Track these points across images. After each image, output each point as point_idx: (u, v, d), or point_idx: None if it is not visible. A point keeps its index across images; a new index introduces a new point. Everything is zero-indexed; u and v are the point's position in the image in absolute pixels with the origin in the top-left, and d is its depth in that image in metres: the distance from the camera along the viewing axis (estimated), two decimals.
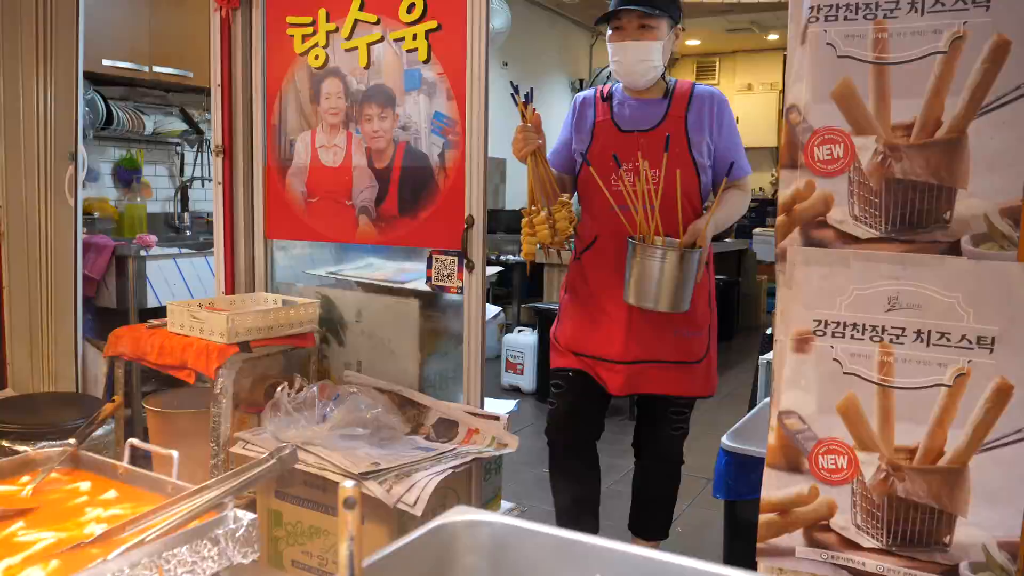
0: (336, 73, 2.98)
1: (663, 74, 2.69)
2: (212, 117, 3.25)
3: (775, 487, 2.04)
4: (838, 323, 1.94)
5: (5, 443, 3.37)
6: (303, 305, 2.86)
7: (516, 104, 2.53)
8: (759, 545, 2.11)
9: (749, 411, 5.07)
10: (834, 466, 1.98)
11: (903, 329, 1.88)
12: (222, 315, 2.58)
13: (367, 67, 2.89)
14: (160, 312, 4.06)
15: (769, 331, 5.02)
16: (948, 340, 1.85)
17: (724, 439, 2.99)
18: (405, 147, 2.84)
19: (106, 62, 4.37)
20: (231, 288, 3.20)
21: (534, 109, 2.55)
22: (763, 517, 2.07)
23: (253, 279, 3.21)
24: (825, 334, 1.95)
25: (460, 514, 0.99)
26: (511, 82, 2.57)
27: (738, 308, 9.08)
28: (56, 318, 3.91)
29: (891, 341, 1.88)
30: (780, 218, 2.03)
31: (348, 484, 0.81)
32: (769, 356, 3.97)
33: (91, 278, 4.11)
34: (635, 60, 2.56)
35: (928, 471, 1.87)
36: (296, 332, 2.80)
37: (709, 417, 5.75)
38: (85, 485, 0.83)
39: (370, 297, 3.02)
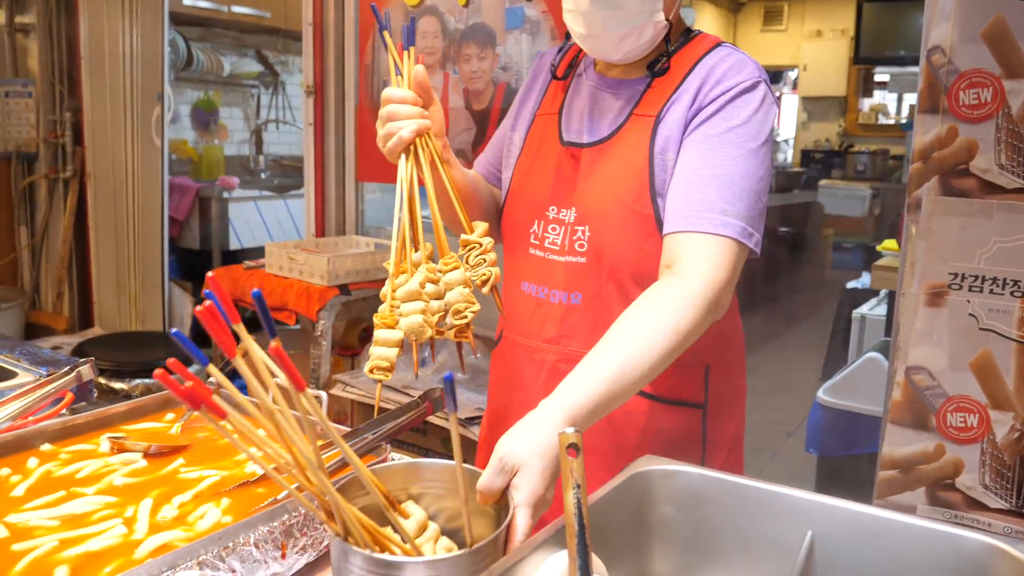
0: (433, 11, 2.92)
1: (668, 34, 1.31)
2: (303, 56, 3.21)
3: (898, 443, 1.99)
4: (976, 277, 1.86)
5: (101, 380, 3.46)
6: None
7: (386, 48, 1.31)
8: (876, 502, 2.07)
9: (825, 366, 5.02)
10: (963, 424, 1.91)
11: None
12: (322, 257, 2.58)
13: (466, 5, 2.81)
14: (241, 254, 4.11)
15: (851, 284, 4.91)
16: None
17: (820, 394, 2.94)
18: (505, 88, 2.77)
19: (186, 1, 4.36)
20: (321, 231, 3.20)
21: (421, 58, 1.29)
22: (883, 474, 2.02)
23: (344, 222, 3.20)
24: (962, 288, 1.87)
25: (653, 463, 0.96)
26: (372, 5, 1.40)
27: (805, 261, 8.91)
28: (143, 259, 3.97)
29: None
30: (916, 166, 1.93)
31: (569, 431, 0.78)
32: (862, 310, 3.88)
33: (175, 219, 4.16)
34: (602, 13, 1.25)
35: None
36: None
37: (783, 372, 5.70)
38: (262, 432, 0.82)
39: None
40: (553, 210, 1.37)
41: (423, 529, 0.92)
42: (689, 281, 1.14)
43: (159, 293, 3.89)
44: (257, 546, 0.98)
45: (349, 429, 1.26)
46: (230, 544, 0.95)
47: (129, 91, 3.83)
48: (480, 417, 2.40)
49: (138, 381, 3.45)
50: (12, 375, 1.66)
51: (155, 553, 0.95)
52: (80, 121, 4.17)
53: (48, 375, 1.56)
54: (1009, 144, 1.80)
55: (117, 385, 3.47)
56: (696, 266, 1.15)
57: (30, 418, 1.38)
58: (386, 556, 0.80)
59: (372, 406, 2.21)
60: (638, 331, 1.09)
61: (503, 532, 0.83)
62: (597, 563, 0.79)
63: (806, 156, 10.50)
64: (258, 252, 3.50)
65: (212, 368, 0.80)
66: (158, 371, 0.72)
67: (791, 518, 0.88)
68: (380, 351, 1.18)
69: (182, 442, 1.30)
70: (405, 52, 1.29)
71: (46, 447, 1.26)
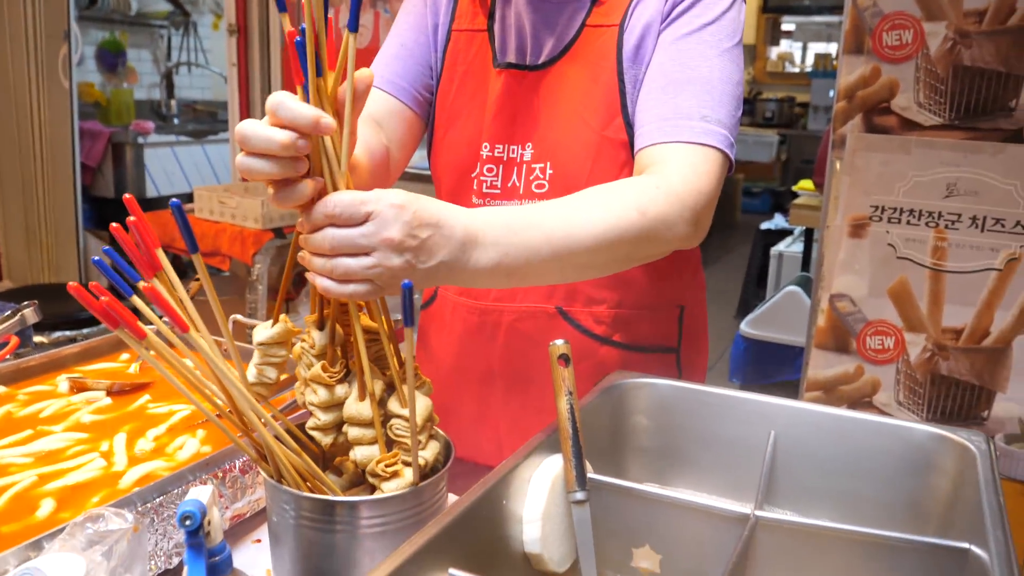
0: None
1: None
2: None
3: (822, 366, 2.12)
4: (895, 209, 1.98)
5: (36, 341, 3.32)
6: None
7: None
8: None
9: (740, 303, 5.22)
10: (881, 346, 2.05)
11: (959, 215, 1.92)
12: (256, 200, 2.53)
13: None
14: (159, 202, 3.98)
15: (765, 224, 5.10)
16: (1003, 226, 1.90)
17: (743, 327, 3.09)
18: None
19: None
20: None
21: (350, 36, 0.75)
22: (808, 395, 2.15)
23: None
24: (882, 219, 1.99)
25: (624, 377, 1.01)
26: None
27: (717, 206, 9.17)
28: (54, 207, 3.80)
29: (946, 227, 1.93)
30: (841, 104, 2.03)
31: (559, 342, 0.82)
32: (780, 248, 4.06)
33: (87, 166, 3.98)
34: None
35: (972, 350, 1.95)
36: None
37: None
38: (189, 362, 0.82)
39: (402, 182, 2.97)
40: (500, 148, 1.18)
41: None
42: (667, 179, 0.96)
43: (73, 243, 3.74)
44: (243, 471, 0.99)
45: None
46: (217, 471, 0.97)
47: (31, 29, 3.61)
48: None
49: (59, 333, 3.33)
50: None
51: (140, 483, 0.96)
52: None
53: None
54: (927, 83, 1.91)
55: (37, 339, 3.33)
56: (677, 171, 0.98)
57: None
58: (314, 496, 0.78)
59: None
60: (595, 197, 0.92)
61: (440, 477, 0.81)
62: (587, 464, 0.84)
63: None
64: (184, 197, 3.40)
65: (136, 299, 0.78)
66: (72, 284, 0.70)
67: (754, 421, 0.95)
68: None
69: (144, 380, 1.29)
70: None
71: (1, 389, 1.23)
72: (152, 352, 0.76)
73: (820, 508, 0.91)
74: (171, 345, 0.77)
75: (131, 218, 0.76)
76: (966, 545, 0.71)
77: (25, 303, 1.52)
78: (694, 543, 0.79)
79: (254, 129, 0.70)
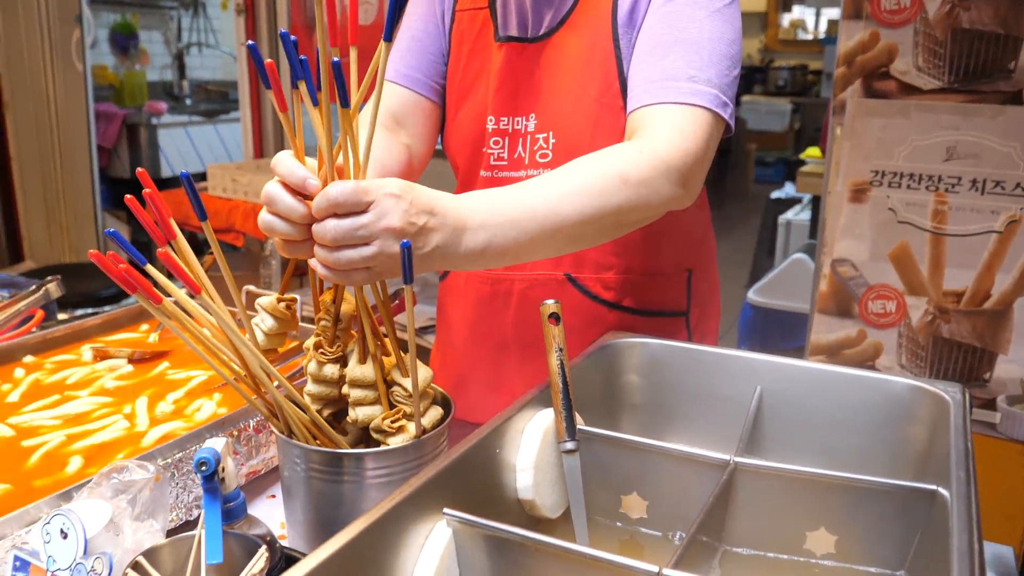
0: None
1: None
2: None
3: (824, 331, 2.16)
4: (895, 173, 2.00)
5: (60, 316, 3.41)
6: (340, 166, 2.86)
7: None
8: None
9: (752, 272, 5.24)
10: (883, 310, 2.08)
11: (959, 178, 1.94)
12: (268, 178, 2.57)
13: None
14: (174, 182, 4.04)
15: (775, 194, 5.11)
16: (1003, 188, 1.92)
17: (750, 295, 3.12)
18: None
19: None
20: (260, 153, 3.18)
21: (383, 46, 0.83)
22: (811, 359, 2.18)
23: (282, 143, 3.18)
24: (882, 184, 2.02)
25: (618, 337, 1.06)
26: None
27: (728, 176, 9.15)
28: (72, 189, 3.87)
29: (947, 190, 1.95)
30: (840, 70, 2.05)
31: (550, 302, 0.87)
32: (788, 216, 4.07)
33: (103, 147, 4.04)
34: None
35: (973, 313, 1.98)
36: None
37: None
38: (206, 331, 0.86)
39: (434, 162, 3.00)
40: (505, 121, 1.21)
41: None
42: (652, 143, 0.97)
43: (92, 223, 3.81)
44: (257, 431, 1.05)
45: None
46: (232, 429, 1.02)
47: (44, 13, 3.66)
48: (431, 327, 2.48)
49: (80, 311, 3.41)
50: None
51: (161, 441, 1.02)
52: None
53: (12, 296, 1.58)
54: (926, 47, 1.92)
55: (60, 316, 3.42)
56: (662, 133, 0.99)
57: (5, 336, 1.40)
58: (322, 449, 0.84)
59: None
60: (578, 168, 0.94)
61: (444, 428, 0.87)
62: (577, 417, 0.89)
63: None
64: (198, 177, 3.45)
65: (150, 267, 0.83)
66: (93, 252, 0.75)
67: (742, 376, 1.00)
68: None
69: (164, 348, 1.35)
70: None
71: (29, 359, 1.29)
72: (171, 320, 0.81)
73: (803, 458, 0.95)
74: (188, 314, 0.83)
75: (146, 191, 0.81)
76: (933, 487, 0.76)
77: (49, 278, 1.59)
78: (678, 489, 0.84)
79: (280, 195, 0.81)
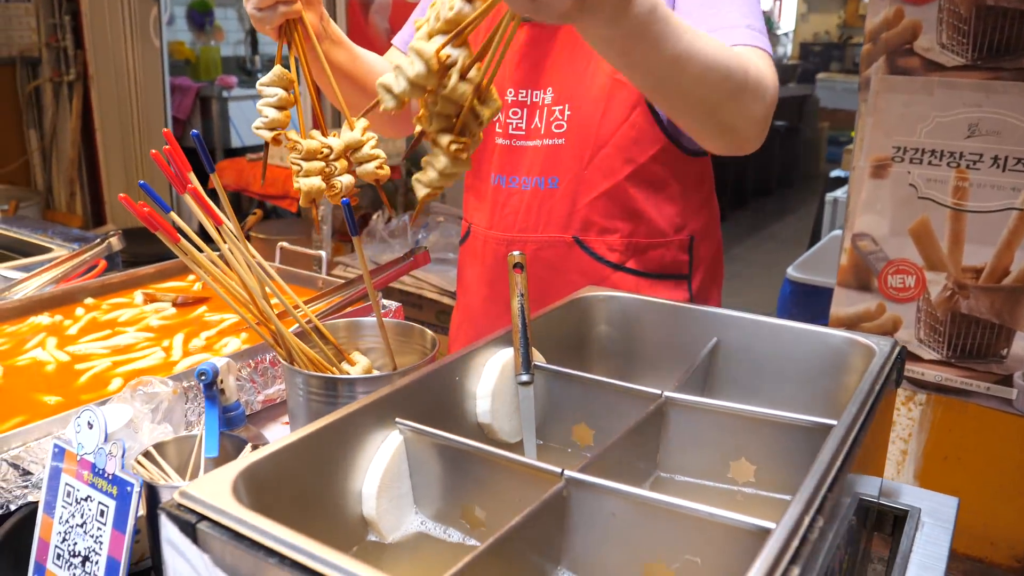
0: None
1: None
2: None
3: (844, 304, 2.20)
4: (917, 149, 2.03)
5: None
6: (391, 140, 3.01)
7: None
8: None
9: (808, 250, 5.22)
10: (902, 285, 2.12)
11: (980, 155, 1.96)
12: None
13: None
14: (242, 151, 4.26)
15: (834, 173, 5.06)
16: None
17: (789, 270, 3.15)
18: None
19: None
20: (318, 125, 3.33)
21: None
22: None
23: (339, 113, 3.34)
24: (903, 160, 2.05)
25: (592, 291, 1.17)
26: None
27: (800, 155, 8.99)
28: (149, 158, 4.13)
29: (968, 167, 1.97)
30: (866, 47, 2.08)
31: (516, 253, 0.98)
32: (836, 194, 4.05)
33: (177, 119, 4.30)
34: None
35: (992, 289, 2.00)
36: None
37: (768, 260, 5.93)
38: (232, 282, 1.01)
39: None
40: (524, 93, 1.29)
41: (367, 372, 1.06)
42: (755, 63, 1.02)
43: (166, 189, 4.06)
44: (273, 364, 1.20)
45: (342, 281, 1.46)
46: (250, 361, 1.17)
47: None
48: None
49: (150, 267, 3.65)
50: (49, 250, 1.87)
51: (190, 367, 1.17)
52: (80, 24, 4.26)
53: (81, 248, 1.77)
54: (950, 24, 1.94)
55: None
56: (748, 59, 1.01)
57: (72, 281, 1.59)
58: (318, 374, 0.97)
59: None
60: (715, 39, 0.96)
61: (426, 362, 0.98)
62: (537, 355, 1.00)
63: (805, 49, 10.38)
64: (259, 149, 3.66)
65: (173, 214, 0.98)
66: (121, 195, 0.89)
67: (701, 328, 1.09)
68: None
69: (204, 295, 1.51)
70: None
71: (89, 300, 1.47)
72: (187, 255, 0.96)
73: (748, 401, 1.04)
74: (209, 256, 0.97)
75: (166, 147, 0.96)
76: (834, 422, 0.84)
77: (111, 231, 1.77)
78: (620, 419, 0.94)
79: None
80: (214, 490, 0.63)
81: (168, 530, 0.61)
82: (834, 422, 0.86)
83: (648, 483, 0.92)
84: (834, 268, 2.90)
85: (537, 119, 1.30)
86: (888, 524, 1.11)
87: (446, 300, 2.60)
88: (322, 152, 1.15)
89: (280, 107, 1.13)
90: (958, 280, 2.04)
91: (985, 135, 1.94)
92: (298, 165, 1.13)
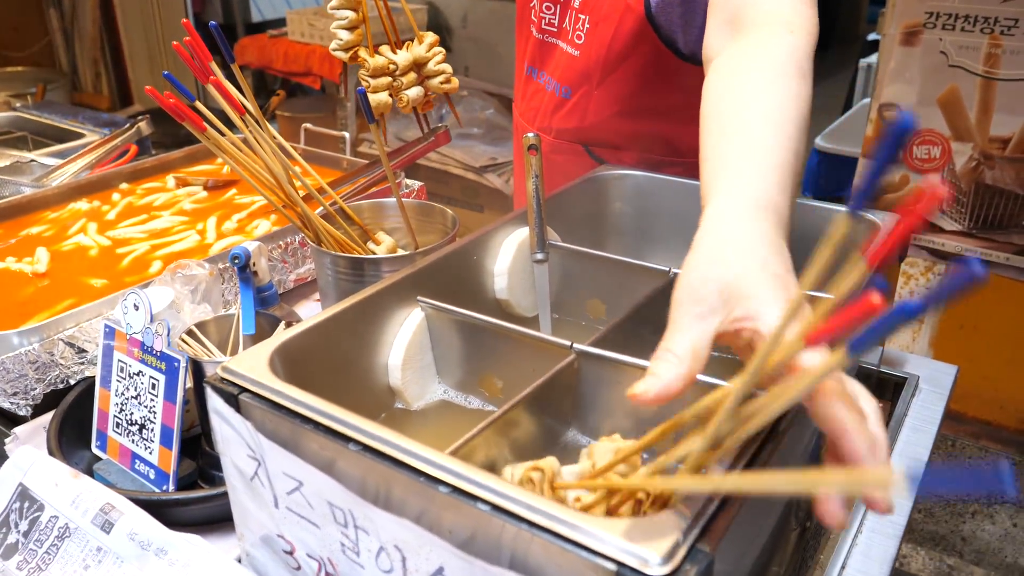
0: None
1: None
2: None
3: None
4: (950, 15, 1.97)
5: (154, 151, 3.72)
6: (413, 11, 2.95)
7: None
8: None
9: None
10: (927, 156, 2.10)
11: (1016, 20, 1.89)
12: None
13: None
14: (264, 26, 4.20)
15: (871, 36, 4.87)
16: None
17: (817, 140, 3.11)
18: None
19: None
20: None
21: None
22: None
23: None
24: (935, 26, 1.99)
25: (607, 169, 1.19)
26: None
27: (837, 16, 8.61)
28: (171, 35, 4.10)
29: (1002, 32, 1.91)
30: None
31: (531, 135, 1.01)
32: (871, 59, 3.93)
33: None
34: None
35: (1018, 160, 1.98)
36: (407, 38, 2.92)
37: None
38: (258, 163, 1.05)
39: (475, 1, 3.08)
40: None
41: (392, 251, 1.11)
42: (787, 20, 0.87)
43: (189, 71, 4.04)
44: (303, 244, 1.25)
45: (367, 162, 1.50)
46: (280, 242, 1.23)
47: None
48: (495, 167, 2.64)
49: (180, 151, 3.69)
50: (81, 136, 1.92)
51: (224, 250, 1.24)
52: None
53: (112, 133, 1.81)
54: None
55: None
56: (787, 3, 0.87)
57: (107, 167, 1.64)
58: (344, 255, 1.01)
59: None
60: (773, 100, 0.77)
61: (447, 240, 1.02)
62: (552, 233, 1.04)
63: None
64: (280, 23, 3.61)
65: (199, 104, 1.00)
66: (148, 87, 0.93)
67: None
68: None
69: (234, 178, 1.56)
70: None
71: (124, 186, 1.53)
72: (211, 141, 1.00)
73: None
74: (233, 141, 1.01)
75: (187, 38, 0.98)
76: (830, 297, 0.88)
77: (139, 116, 1.81)
78: (631, 295, 1.00)
79: None
80: (253, 364, 0.69)
81: (214, 401, 0.68)
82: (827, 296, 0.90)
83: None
84: (861, 137, 2.86)
85: (567, 20, 1.25)
86: (888, 391, 1.18)
87: (470, 176, 2.63)
88: (388, 68, 1.17)
89: (351, 27, 1.15)
90: (984, 150, 2.02)
91: None
92: (367, 82, 1.17)
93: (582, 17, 1.22)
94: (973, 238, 2.12)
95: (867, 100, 2.94)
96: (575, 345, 0.78)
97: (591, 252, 1.01)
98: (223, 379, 0.69)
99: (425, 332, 0.88)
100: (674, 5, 1.12)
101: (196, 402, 0.92)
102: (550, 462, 0.69)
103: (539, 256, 0.99)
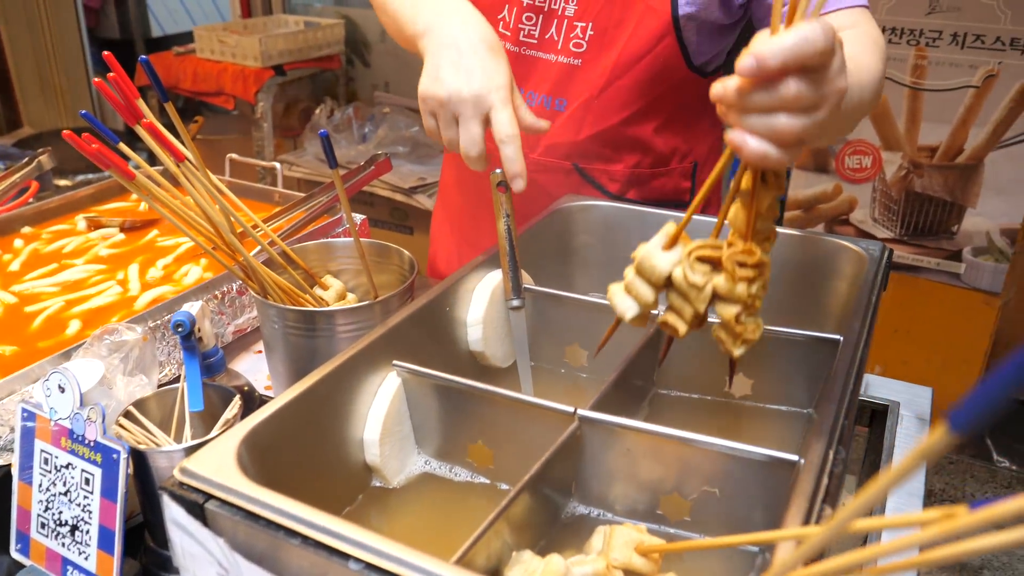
0: None
1: None
2: None
3: (802, 186, 2.20)
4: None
5: (57, 183, 3.47)
6: (328, 26, 2.83)
7: None
8: None
9: None
10: (859, 165, 2.12)
11: (940, 32, 1.93)
12: (253, 38, 2.57)
13: None
14: (166, 41, 3.99)
15: None
16: (983, 42, 1.91)
17: None
18: None
19: None
20: (247, 11, 3.13)
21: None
22: (788, 214, 2.25)
23: (269, 1, 3.13)
24: None
25: (571, 200, 1.12)
26: None
27: None
28: (63, 52, 3.83)
29: (927, 44, 1.94)
30: None
31: (498, 171, 0.93)
32: None
33: (89, 7, 3.96)
34: None
35: (946, 167, 2.02)
36: (324, 55, 2.80)
37: None
38: (190, 200, 0.93)
39: None
40: None
41: (341, 297, 1.02)
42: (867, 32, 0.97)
43: (85, 85, 3.80)
44: (240, 293, 1.14)
45: (304, 195, 1.39)
46: (217, 292, 1.11)
47: None
48: (424, 188, 2.54)
49: (80, 177, 3.47)
50: None
51: (151, 304, 1.11)
52: None
53: (7, 168, 1.64)
54: None
55: (62, 182, 3.49)
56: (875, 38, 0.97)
57: (4, 207, 1.48)
58: (296, 308, 0.92)
59: (319, 183, 2.31)
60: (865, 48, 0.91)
61: (406, 288, 0.95)
62: (526, 276, 0.97)
63: None
64: (183, 38, 3.42)
65: (122, 146, 0.89)
66: (66, 132, 0.81)
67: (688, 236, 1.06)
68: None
69: (153, 216, 1.42)
70: None
71: (27, 229, 1.37)
72: (148, 195, 0.88)
73: None
74: (164, 187, 0.89)
75: (111, 74, 0.86)
76: (837, 337, 0.84)
77: (40, 150, 1.64)
78: (615, 340, 0.93)
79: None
80: (219, 463, 0.59)
81: (173, 511, 0.58)
82: (835, 336, 0.85)
83: (647, 401, 0.92)
84: None
85: (554, 30, 1.17)
86: (865, 417, 1.14)
87: (399, 197, 2.52)
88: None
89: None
90: (913, 159, 2.05)
91: (946, 11, 1.91)
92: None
93: (580, 24, 1.15)
94: (905, 245, 2.16)
95: None
96: (579, 411, 0.71)
97: (570, 296, 0.94)
98: (183, 484, 0.58)
99: (403, 400, 0.79)
100: (712, 8, 1.09)
101: (137, 488, 0.80)
102: (555, 567, 0.61)
103: (515, 303, 0.91)
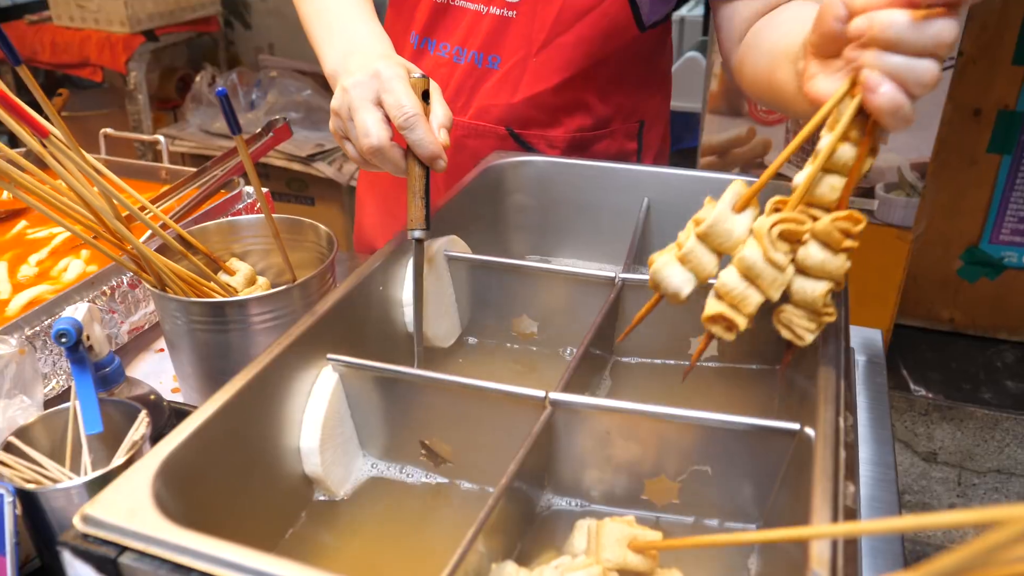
0: None
1: None
2: None
3: (716, 131, 2.17)
4: None
5: None
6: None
7: None
8: None
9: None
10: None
11: None
12: (118, 1, 2.33)
13: None
14: (16, 10, 3.61)
15: None
16: None
17: None
18: None
19: None
20: None
21: None
22: (704, 160, 2.22)
23: None
24: None
25: (501, 157, 1.03)
26: None
27: None
28: None
29: None
30: None
31: (416, 74, 0.79)
32: (681, 12, 3.97)
33: None
34: None
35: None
36: (199, 16, 2.58)
37: None
38: (62, 183, 0.79)
39: None
40: None
41: (251, 282, 0.92)
42: None
43: None
44: (133, 286, 1.00)
45: (194, 169, 1.25)
46: (105, 288, 0.97)
47: None
48: (323, 155, 2.38)
49: None
50: None
51: (27, 308, 0.96)
52: None
53: None
54: None
55: None
56: None
57: None
58: (202, 300, 0.81)
59: (207, 156, 2.13)
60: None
61: (327, 268, 0.85)
62: (460, 243, 0.87)
63: None
64: (35, 6, 3.09)
65: None
66: None
67: (629, 189, 0.99)
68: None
69: (19, 206, 1.25)
70: None
71: None
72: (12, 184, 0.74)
73: None
74: (30, 172, 0.75)
75: None
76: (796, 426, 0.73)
77: None
78: (568, 309, 0.85)
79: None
80: (131, 505, 0.48)
81: (77, 570, 0.46)
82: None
83: (607, 371, 0.84)
84: (689, 91, 2.86)
85: None
86: None
87: (296, 167, 2.35)
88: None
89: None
90: None
91: None
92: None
93: None
94: None
95: (691, 53, 2.94)
96: (551, 395, 0.62)
97: (510, 262, 0.85)
98: (87, 536, 0.47)
99: (341, 398, 0.68)
100: None
101: (28, 530, 0.67)
102: None
103: (417, 234, 0.76)
